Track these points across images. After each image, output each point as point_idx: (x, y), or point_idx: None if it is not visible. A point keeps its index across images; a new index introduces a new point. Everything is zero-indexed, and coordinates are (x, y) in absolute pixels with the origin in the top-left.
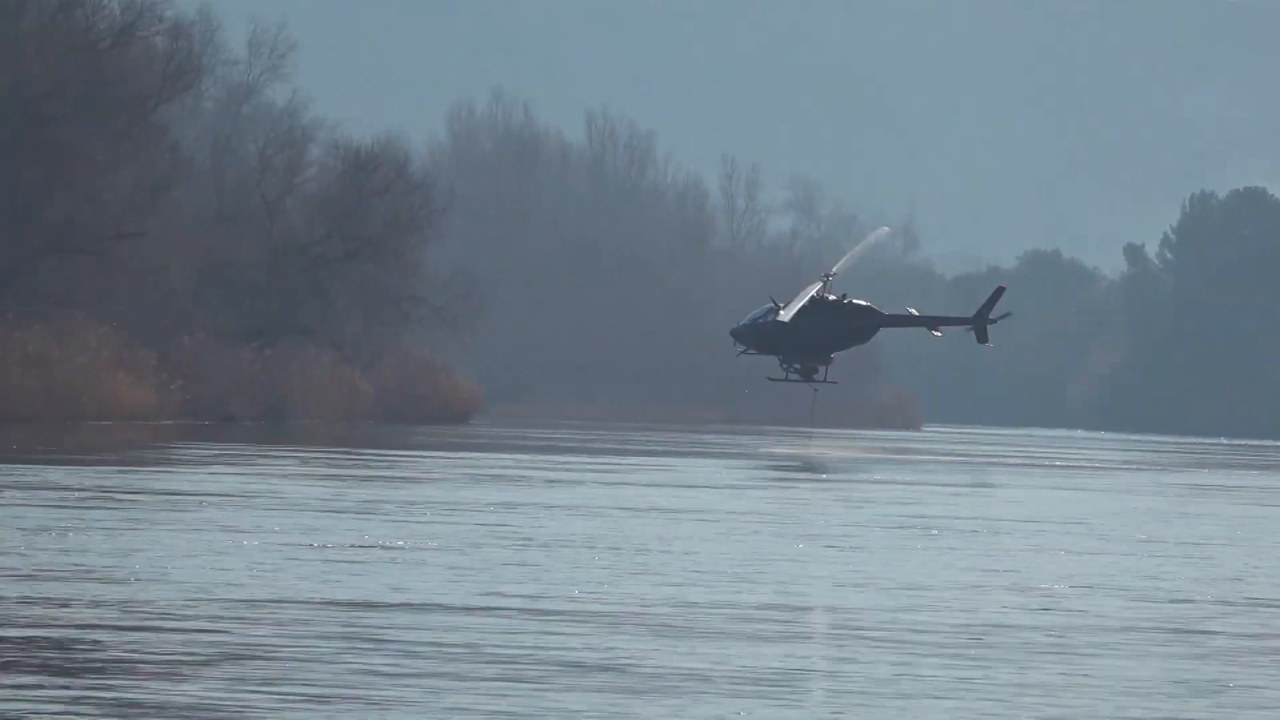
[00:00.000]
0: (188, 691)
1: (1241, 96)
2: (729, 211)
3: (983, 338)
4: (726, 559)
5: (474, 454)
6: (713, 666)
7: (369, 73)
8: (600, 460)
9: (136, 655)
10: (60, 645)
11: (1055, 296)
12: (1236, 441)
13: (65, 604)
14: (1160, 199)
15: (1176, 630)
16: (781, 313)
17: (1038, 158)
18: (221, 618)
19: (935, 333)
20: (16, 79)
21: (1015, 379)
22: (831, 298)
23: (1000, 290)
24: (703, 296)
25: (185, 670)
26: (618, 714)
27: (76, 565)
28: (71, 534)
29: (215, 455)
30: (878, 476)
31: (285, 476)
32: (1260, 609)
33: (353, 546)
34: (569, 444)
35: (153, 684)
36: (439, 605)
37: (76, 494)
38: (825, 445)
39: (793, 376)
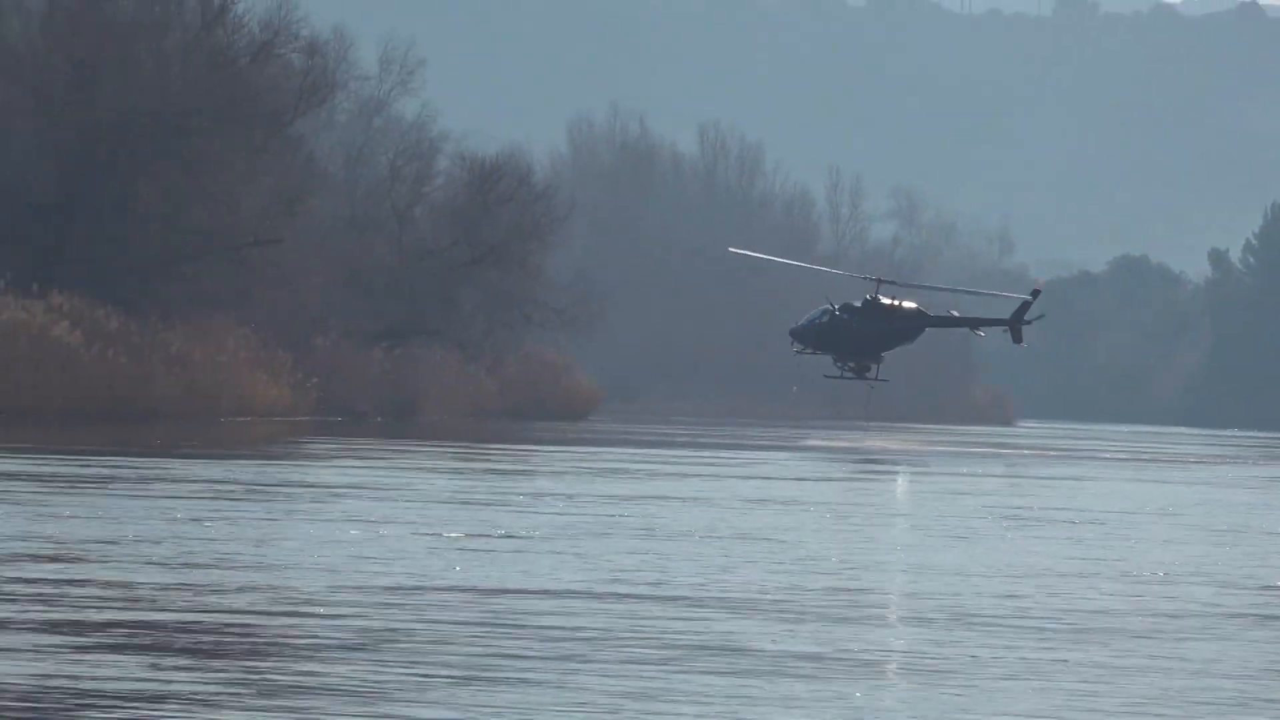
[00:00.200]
0: (335, 672)
1: None
2: (834, 219)
3: (1018, 338)
4: (837, 547)
5: (595, 448)
6: (828, 649)
7: (494, 88)
8: (713, 455)
9: (285, 639)
10: (214, 630)
11: (1143, 299)
12: None
13: (217, 590)
14: (1243, 207)
15: (1267, 616)
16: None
17: (1127, 169)
18: (363, 603)
19: (979, 333)
20: (162, 94)
21: (1106, 377)
22: (886, 301)
23: (1036, 293)
24: (808, 299)
25: (331, 653)
26: (742, 694)
27: (225, 554)
28: (218, 524)
29: (349, 449)
30: (979, 470)
31: (417, 470)
32: None
33: (484, 536)
34: (682, 439)
35: (301, 665)
36: (569, 591)
37: (220, 486)
38: (916, 441)
39: (847, 374)
